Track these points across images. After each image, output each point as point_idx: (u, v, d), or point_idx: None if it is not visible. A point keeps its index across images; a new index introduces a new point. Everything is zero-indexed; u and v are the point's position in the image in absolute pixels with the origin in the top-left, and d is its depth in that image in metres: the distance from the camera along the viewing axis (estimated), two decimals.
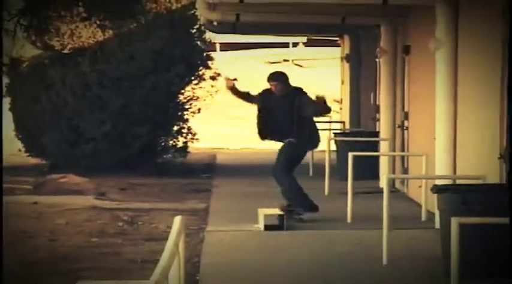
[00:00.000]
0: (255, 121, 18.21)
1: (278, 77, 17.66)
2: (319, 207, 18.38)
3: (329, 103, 18.30)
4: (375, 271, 14.67)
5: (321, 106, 17.69)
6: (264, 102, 17.69)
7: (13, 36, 12.98)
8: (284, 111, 17.32)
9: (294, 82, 17.87)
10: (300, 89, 18.04)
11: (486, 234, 12.80)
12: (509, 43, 8.78)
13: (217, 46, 33.46)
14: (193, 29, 28.66)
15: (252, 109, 18.36)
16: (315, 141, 18.33)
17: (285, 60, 52.00)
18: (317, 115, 18.39)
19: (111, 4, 12.40)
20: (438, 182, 15.98)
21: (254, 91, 18.33)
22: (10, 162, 30.83)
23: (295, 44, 51.43)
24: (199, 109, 30.08)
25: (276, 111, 17.48)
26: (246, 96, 18.50)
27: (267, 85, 17.88)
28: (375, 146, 24.28)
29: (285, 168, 17.71)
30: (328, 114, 19.56)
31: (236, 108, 39.33)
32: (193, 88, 29.79)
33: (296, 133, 17.34)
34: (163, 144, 29.76)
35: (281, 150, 17.84)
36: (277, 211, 18.06)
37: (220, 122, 36.28)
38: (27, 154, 30.04)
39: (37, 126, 28.90)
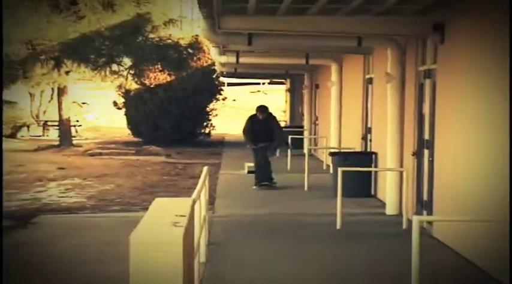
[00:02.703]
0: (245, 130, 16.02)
1: (262, 109, 15.64)
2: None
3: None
4: (301, 192, 14.68)
5: (282, 136, 16.08)
6: (253, 123, 15.54)
7: (126, 78, 12.83)
8: (264, 127, 15.39)
9: (263, 101, 17.23)
10: (272, 115, 15.80)
11: (355, 175, 12.72)
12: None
13: (225, 84, 33.15)
14: (213, 75, 28.58)
15: (241, 116, 18.05)
16: (280, 143, 16.09)
17: (258, 91, 51.93)
18: (279, 141, 15.72)
19: (174, 63, 12.32)
20: (332, 150, 15.97)
21: (244, 105, 17.69)
22: (125, 139, 30.80)
23: (263, 83, 51.20)
24: (216, 114, 30.04)
25: (260, 128, 15.44)
26: (247, 134, 15.73)
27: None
28: (302, 132, 24.11)
29: (267, 157, 15.54)
30: (284, 141, 16.47)
31: (234, 115, 39.25)
32: (213, 105, 29.65)
33: (269, 139, 15.33)
34: (198, 131, 29.60)
35: (263, 148, 15.39)
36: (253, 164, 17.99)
37: (227, 120, 35.94)
38: (133, 135, 29.91)
39: (137, 122, 28.84)
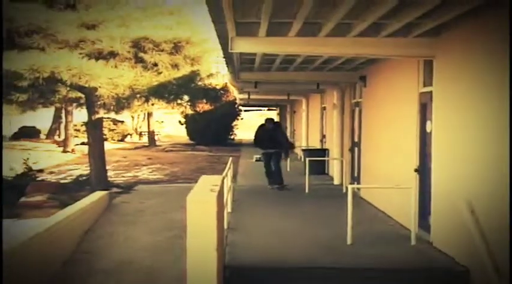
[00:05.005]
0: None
1: (269, 120, 10.98)
2: None
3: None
4: (285, 172, 14.12)
5: (289, 143, 11.25)
6: (262, 131, 10.96)
7: (185, 107, 11.69)
8: (270, 135, 10.88)
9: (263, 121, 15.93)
10: (279, 124, 11.37)
11: (316, 163, 12.60)
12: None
13: (242, 110, 32.98)
14: (235, 105, 28.28)
15: (252, 129, 17.19)
16: (287, 150, 10.94)
17: (261, 115, 51.40)
18: (286, 147, 10.82)
19: (213, 98, 12.22)
20: (303, 147, 15.83)
21: (253, 123, 17.17)
22: (185, 142, 30.61)
23: (264, 109, 50.56)
24: (237, 128, 29.82)
25: (266, 135, 10.93)
26: (256, 140, 11.27)
27: (256, 121, 16.47)
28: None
29: (278, 163, 10.83)
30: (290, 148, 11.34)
31: (247, 128, 39.05)
32: (236, 122, 29.36)
33: (277, 146, 10.81)
34: (227, 137, 29.22)
35: (273, 154, 10.93)
36: (259, 155, 16.31)
37: (243, 131, 35.70)
38: (190, 140, 29.65)
39: (192, 132, 28.59)
